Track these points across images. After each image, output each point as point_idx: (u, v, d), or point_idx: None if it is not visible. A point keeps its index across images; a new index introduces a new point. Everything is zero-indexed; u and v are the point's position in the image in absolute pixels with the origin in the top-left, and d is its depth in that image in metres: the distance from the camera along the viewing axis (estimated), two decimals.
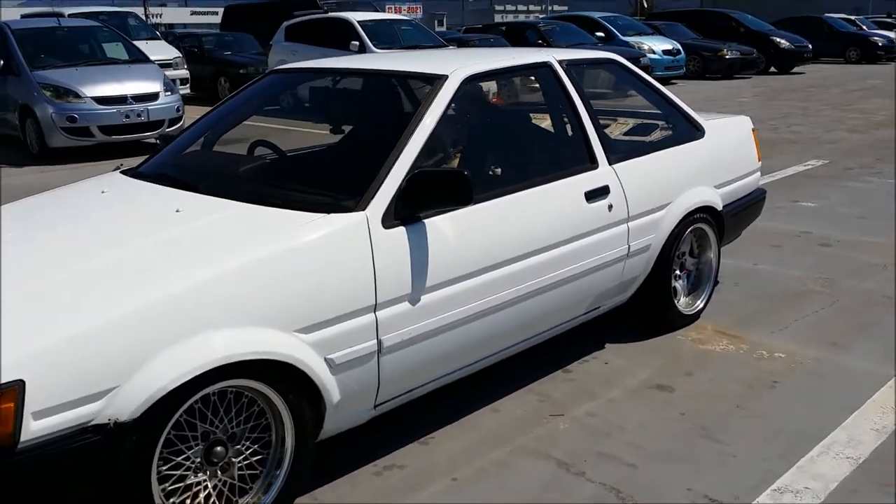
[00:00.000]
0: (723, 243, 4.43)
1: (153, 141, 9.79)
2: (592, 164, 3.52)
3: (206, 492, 2.40)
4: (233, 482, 2.46)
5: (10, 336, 2.07)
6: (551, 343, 3.70)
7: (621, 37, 19.86)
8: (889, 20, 31.23)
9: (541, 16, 38.61)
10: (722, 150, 4.32)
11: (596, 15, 21.27)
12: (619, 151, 3.69)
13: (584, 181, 3.43)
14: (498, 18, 48.18)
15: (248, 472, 2.50)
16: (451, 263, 2.83)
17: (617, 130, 4.58)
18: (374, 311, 2.61)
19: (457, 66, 3.24)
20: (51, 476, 2.06)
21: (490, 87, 5.64)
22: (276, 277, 2.41)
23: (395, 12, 31.63)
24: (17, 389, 1.98)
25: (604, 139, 3.63)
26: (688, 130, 4.18)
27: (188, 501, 2.36)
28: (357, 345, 2.58)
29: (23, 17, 14.39)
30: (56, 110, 9.51)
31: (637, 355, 3.85)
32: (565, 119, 3.65)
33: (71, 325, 2.11)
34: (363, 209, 2.66)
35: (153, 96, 10.10)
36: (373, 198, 2.69)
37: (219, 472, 2.43)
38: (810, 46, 23.08)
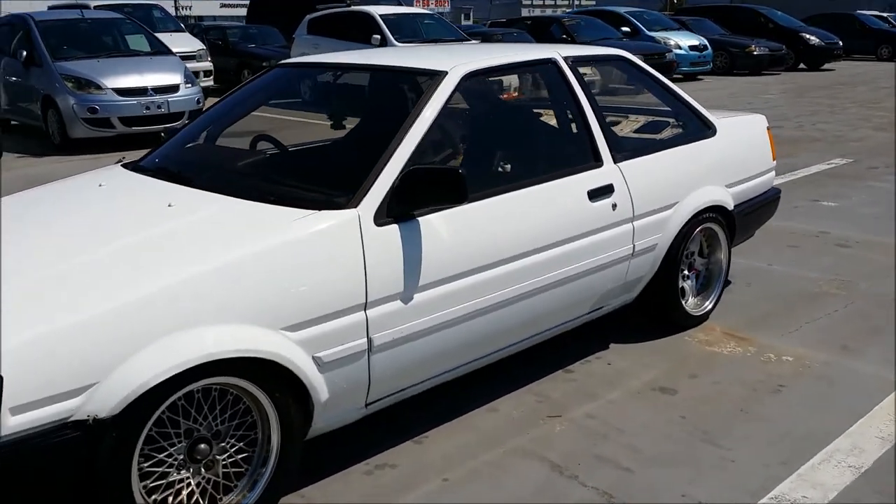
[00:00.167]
0: (734, 243, 4.36)
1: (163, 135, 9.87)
2: (597, 162, 3.47)
3: (190, 489, 2.39)
4: (217, 480, 2.44)
5: None
6: (554, 342, 3.66)
7: (647, 32, 19.67)
8: None
9: (568, 10, 38.40)
10: (734, 149, 4.24)
11: (622, 10, 21.07)
12: (625, 149, 3.63)
13: (588, 179, 3.38)
14: (525, 13, 47.99)
15: (233, 469, 2.48)
16: (446, 262, 2.79)
17: (627, 128, 4.52)
18: (365, 310, 2.58)
19: (457, 62, 3.20)
20: (29, 472, 2.06)
21: (511, 81, 5.60)
22: (263, 274, 2.38)
23: (423, 6, 31.64)
24: None
25: (609, 137, 3.57)
26: (698, 128, 4.11)
27: (171, 499, 2.35)
28: (346, 343, 2.55)
29: (50, 8, 14.49)
30: (77, 101, 9.62)
31: (641, 356, 3.79)
32: (570, 116, 3.60)
33: (50, 320, 2.10)
34: (355, 206, 2.63)
35: (174, 88, 10.19)
36: (365, 195, 2.66)
37: (202, 470, 2.41)
38: (840, 43, 22.76)
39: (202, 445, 2.38)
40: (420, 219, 2.74)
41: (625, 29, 19.57)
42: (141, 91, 9.90)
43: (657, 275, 3.82)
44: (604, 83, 5.01)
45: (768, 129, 4.61)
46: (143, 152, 3.72)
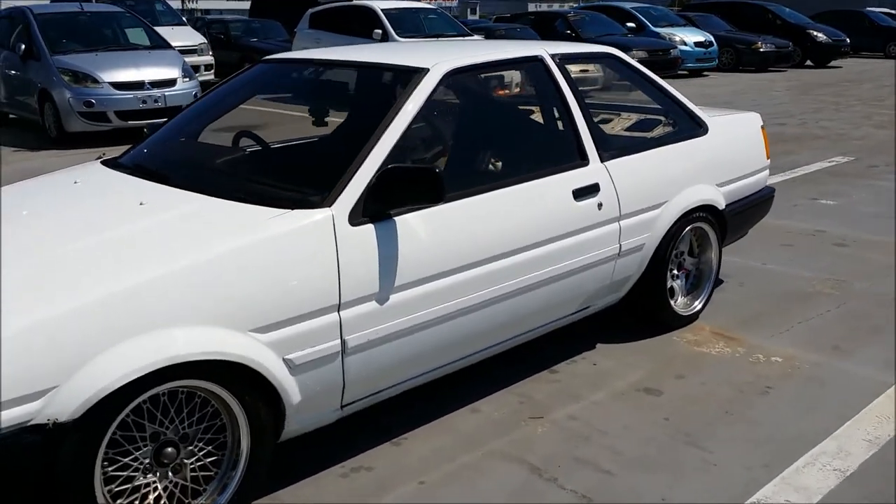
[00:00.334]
0: (726, 242, 4.30)
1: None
2: (583, 160, 3.42)
3: (157, 493, 2.35)
4: (185, 484, 2.40)
5: None
6: (539, 342, 3.61)
7: (653, 27, 19.58)
8: None
9: (574, 6, 38.27)
10: (726, 148, 4.19)
11: (628, 5, 20.96)
12: (612, 148, 3.58)
13: (573, 178, 3.34)
14: (532, 7, 47.86)
15: (202, 473, 2.44)
16: (423, 262, 2.75)
17: (619, 126, 4.47)
18: (338, 311, 2.54)
19: (440, 59, 3.15)
20: None
21: (513, 77, 5.53)
22: (232, 275, 2.34)
23: (430, 1, 31.50)
24: None
25: (596, 136, 3.52)
26: (690, 127, 4.05)
27: (137, 503, 2.31)
28: (319, 345, 2.50)
29: (52, 0, 14.46)
30: (73, 95, 9.56)
31: (627, 356, 3.74)
32: (556, 115, 3.55)
33: (6, 324, 2.05)
34: (329, 206, 2.58)
35: (171, 82, 10.13)
36: (340, 194, 2.62)
37: (170, 474, 2.37)
38: (848, 40, 22.64)
39: (169, 449, 2.34)
40: (397, 218, 2.70)
41: (630, 25, 19.49)
42: (138, 85, 9.84)
43: (645, 275, 3.77)
44: (606, 80, 4.95)
45: (762, 127, 4.55)
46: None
